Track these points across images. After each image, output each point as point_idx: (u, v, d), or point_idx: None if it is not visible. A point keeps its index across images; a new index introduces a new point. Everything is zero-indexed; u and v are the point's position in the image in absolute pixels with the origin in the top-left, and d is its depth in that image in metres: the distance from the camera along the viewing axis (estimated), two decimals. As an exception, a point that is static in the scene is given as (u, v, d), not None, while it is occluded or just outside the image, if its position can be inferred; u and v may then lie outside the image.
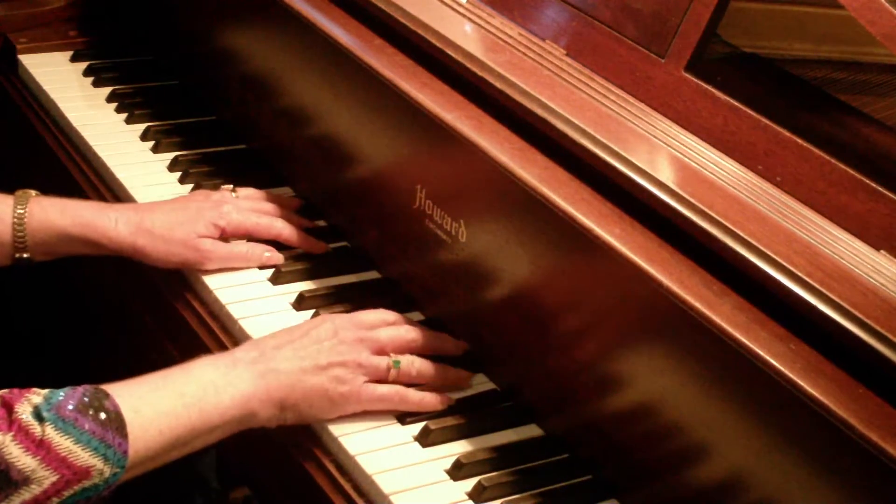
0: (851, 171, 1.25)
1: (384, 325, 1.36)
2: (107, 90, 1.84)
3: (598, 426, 1.24)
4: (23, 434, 1.09)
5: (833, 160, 1.27)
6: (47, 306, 1.97)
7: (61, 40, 1.94)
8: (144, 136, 1.74)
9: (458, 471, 1.24)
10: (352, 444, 1.25)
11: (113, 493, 1.61)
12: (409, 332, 1.36)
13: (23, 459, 1.08)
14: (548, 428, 1.32)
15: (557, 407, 1.30)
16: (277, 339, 1.31)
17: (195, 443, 1.22)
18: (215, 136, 1.77)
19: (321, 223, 1.60)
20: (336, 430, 1.27)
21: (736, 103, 1.34)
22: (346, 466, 1.25)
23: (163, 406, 1.18)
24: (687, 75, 1.38)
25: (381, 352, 1.33)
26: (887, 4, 1.26)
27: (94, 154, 1.69)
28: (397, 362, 1.32)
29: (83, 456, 1.11)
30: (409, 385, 1.32)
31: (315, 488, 1.25)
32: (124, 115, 1.79)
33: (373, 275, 1.52)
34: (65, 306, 1.93)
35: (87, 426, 1.12)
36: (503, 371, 1.36)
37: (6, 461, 1.08)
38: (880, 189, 1.23)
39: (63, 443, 1.10)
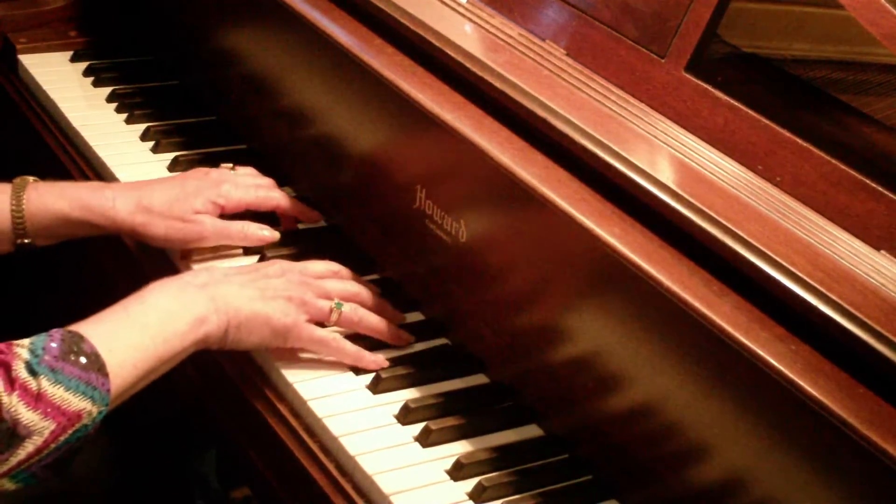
0: (852, 171, 1.25)
1: (331, 276, 1.41)
2: (107, 90, 1.84)
3: (599, 426, 1.24)
4: (23, 391, 1.13)
5: (833, 160, 1.27)
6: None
7: (61, 40, 1.94)
8: (144, 137, 1.74)
9: (458, 471, 1.24)
10: (352, 445, 1.25)
11: (114, 493, 1.61)
12: (354, 286, 1.41)
13: (27, 415, 1.13)
14: (548, 428, 1.32)
15: (557, 407, 1.30)
16: (226, 270, 1.36)
17: (161, 369, 1.27)
18: (215, 137, 1.77)
19: (321, 223, 1.60)
20: (337, 429, 1.27)
21: (736, 103, 1.34)
22: (346, 467, 1.25)
23: (132, 341, 1.23)
24: (687, 75, 1.38)
25: (326, 298, 1.37)
26: (887, 4, 1.26)
27: (94, 154, 1.69)
28: (339, 304, 1.37)
29: (74, 401, 1.16)
30: (351, 336, 1.37)
31: (315, 488, 1.25)
32: (124, 115, 1.78)
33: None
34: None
35: (74, 372, 1.16)
36: (503, 370, 1.36)
37: (14, 419, 1.12)
38: (880, 189, 1.23)
39: (56, 392, 1.15)
